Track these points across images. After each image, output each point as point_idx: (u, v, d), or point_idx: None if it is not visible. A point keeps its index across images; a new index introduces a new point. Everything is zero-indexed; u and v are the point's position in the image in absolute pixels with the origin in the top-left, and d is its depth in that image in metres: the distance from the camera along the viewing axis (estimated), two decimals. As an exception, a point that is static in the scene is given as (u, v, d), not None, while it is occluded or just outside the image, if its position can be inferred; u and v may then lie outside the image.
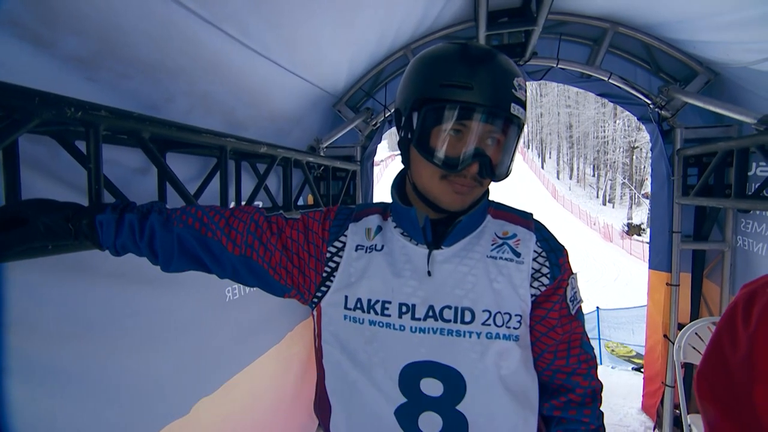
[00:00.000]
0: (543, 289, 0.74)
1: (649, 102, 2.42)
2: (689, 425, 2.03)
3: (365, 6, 1.85)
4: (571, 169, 41.02)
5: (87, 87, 1.11)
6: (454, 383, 0.69)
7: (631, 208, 30.18)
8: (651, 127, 2.51)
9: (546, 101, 44.24)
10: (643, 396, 3.03)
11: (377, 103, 2.84)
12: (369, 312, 0.72)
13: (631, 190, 31.14)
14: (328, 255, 0.78)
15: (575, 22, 2.44)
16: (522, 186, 36.46)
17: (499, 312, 0.71)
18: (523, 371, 0.74)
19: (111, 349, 1.27)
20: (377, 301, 0.72)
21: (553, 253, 0.76)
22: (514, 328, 0.71)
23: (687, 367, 2.36)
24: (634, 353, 7.93)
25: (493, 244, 0.75)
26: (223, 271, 0.82)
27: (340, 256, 0.77)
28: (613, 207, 33.25)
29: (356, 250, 0.77)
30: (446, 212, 0.75)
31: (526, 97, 0.71)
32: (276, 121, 2.14)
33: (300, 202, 2.40)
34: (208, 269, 0.83)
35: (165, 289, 1.51)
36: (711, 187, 2.21)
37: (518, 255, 0.74)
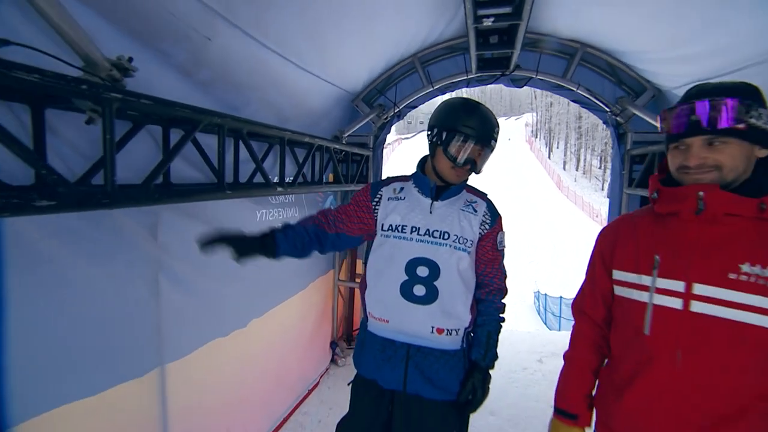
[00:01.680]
0: (485, 232, 1.39)
1: (607, 110, 2.99)
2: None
3: (382, 32, 2.43)
4: (578, 160, 41.10)
5: (205, 99, 1.74)
6: (434, 269, 1.33)
7: (634, 201, 30.36)
8: (610, 130, 3.09)
9: (557, 90, 43.75)
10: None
11: (388, 100, 3.43)
12: (395, 231, 1.36)
13: (635, 183, 31.18)
14: (372, 206, 1.41)
15: (552, 41, 2.99)
16: (526, 175, 36.44)
17: (461, 237, 1.35)
18: (469, 271, 1.39)
19: (209, 275, 1.93)
20: (399, 226, 1.36)
21: (493, 215, 1.40)
22: (468, 246, 1.36)
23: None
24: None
25: (464, 204, 1.40)
26: (329, 246, 1.44)
27: (379, 205, 1.41)
28: (617, 199, 33.37)
29: (388, 200, 1.41)
30: (445, 183, 1.37)
31: (498, 135, 1.35)
32: (311, 115, 2.77)
33: (324, 179, 3.03)
34: (323, 249, 1.44)
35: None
36: (650, 180, 2.79)
37: (475, 211, 1.39)
